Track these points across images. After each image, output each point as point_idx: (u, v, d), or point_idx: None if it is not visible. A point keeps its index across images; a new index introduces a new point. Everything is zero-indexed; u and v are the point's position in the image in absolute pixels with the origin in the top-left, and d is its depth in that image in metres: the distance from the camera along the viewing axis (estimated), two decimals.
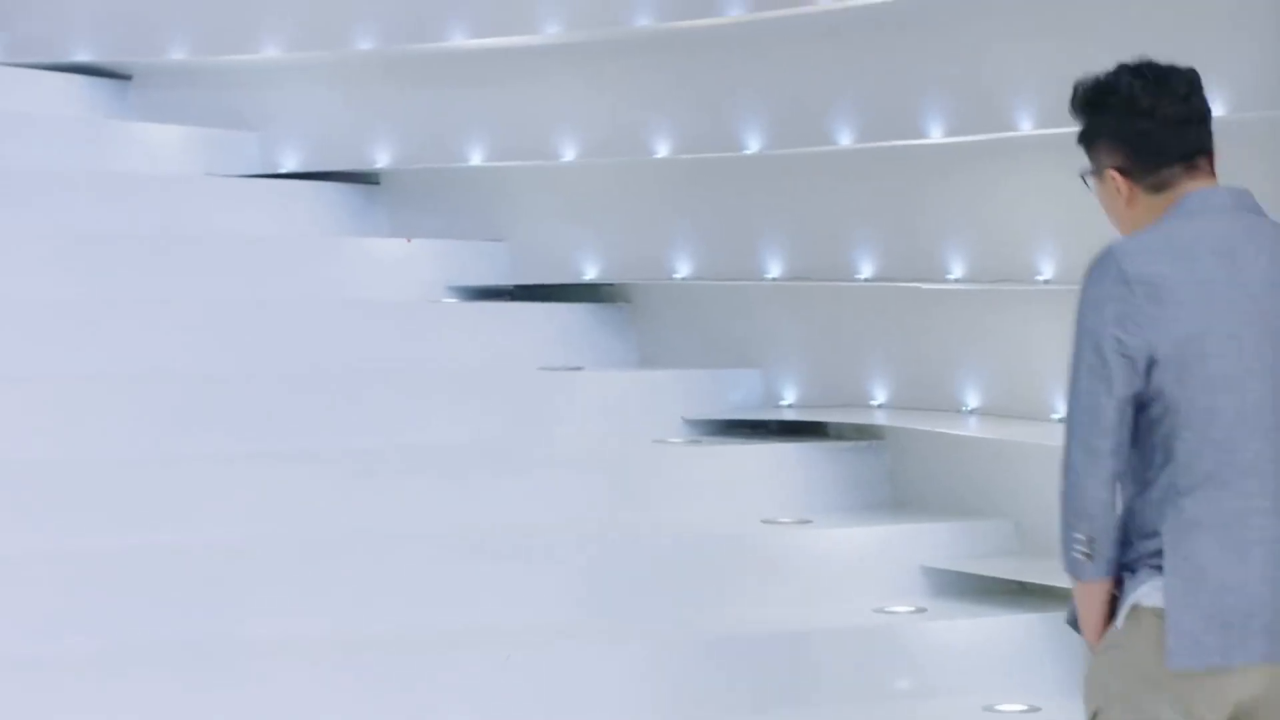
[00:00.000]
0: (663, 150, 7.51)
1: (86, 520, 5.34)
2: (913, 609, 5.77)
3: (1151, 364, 3.42)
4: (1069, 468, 3.46)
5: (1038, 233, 6.42)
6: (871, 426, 6.66)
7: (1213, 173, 3.56)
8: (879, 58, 7.00)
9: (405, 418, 6.17)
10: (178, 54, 8.76)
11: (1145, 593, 3.43)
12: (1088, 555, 3.45)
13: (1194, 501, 3.43)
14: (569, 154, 7.75)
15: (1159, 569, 3.42)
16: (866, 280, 6.87)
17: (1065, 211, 6.33)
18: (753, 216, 7.22)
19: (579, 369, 6.99)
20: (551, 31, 7.85)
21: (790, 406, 6.99)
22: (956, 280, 6.63)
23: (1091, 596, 3.49)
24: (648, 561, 5.78)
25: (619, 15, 7.69)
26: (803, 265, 7.11)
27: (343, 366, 6.35)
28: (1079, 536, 3.45)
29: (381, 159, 8.18)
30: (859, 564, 5.95)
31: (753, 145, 7.29)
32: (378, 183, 8.03)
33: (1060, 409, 6.18)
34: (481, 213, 7.71)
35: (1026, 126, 6.49)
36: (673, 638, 5.51)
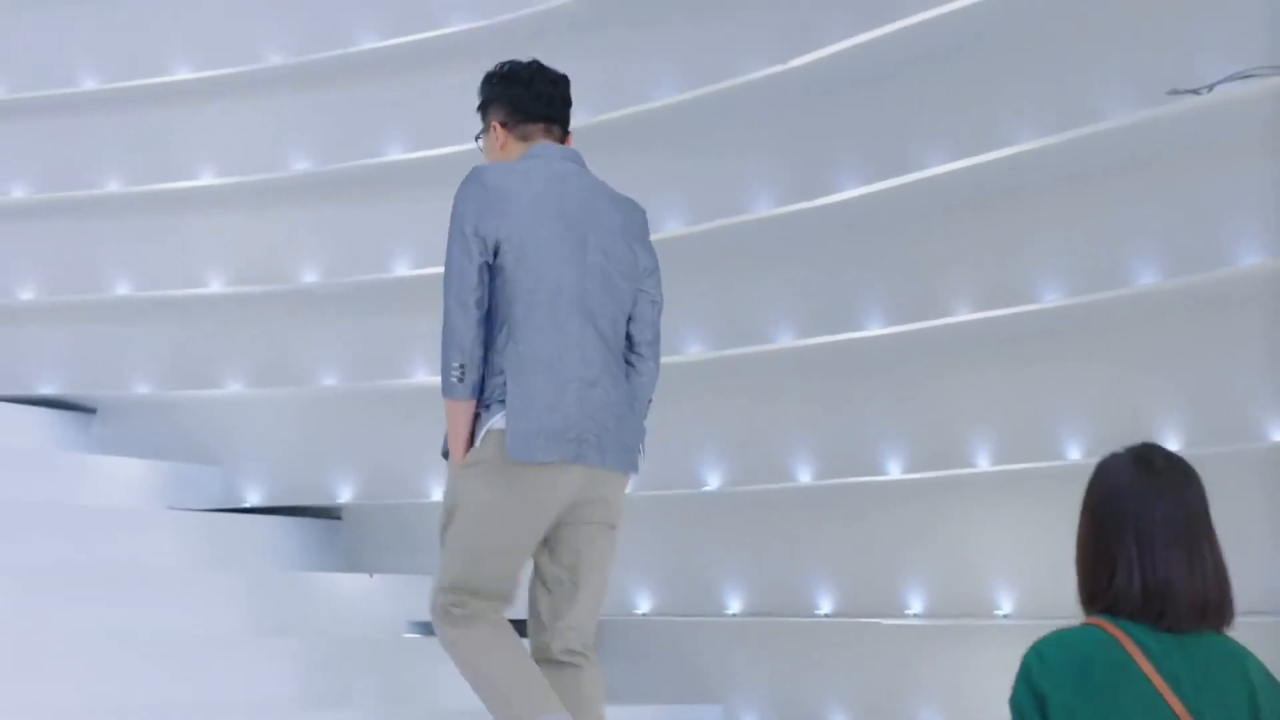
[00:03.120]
0: None
1: None
2: None
3: (498, 246, 4.83)
4: (448, 315, 4.79)
5: (995, 568, 6.45)
6: None
7: (562, 140, 5.16)
8: (838, 396, 7.09)
9: None
10: (142, 388, 8.83)
11: (496, 421, 4.80)
12: (460, 379, 4.79)
13: (529, 348, 4.80)
14: None
15: (504, 401, 4.78)
16: (826, 616, 6.88)
17: (1023, 547, 6.38)
18: (712, 552, 7.24)
19: None
20: None
21: None
22: (915, 615, 6.64)
23: (460, 414, 4.85)
24: None
25: None
26: (762, 601, 7.11)
27: (307, 700, 6.27)
28: (455, 366, 4.78)
29: (344, 494, 8.20)
30: None
31: (712, 483, 7.35)
32: (339, 517, 8.03)
33: None
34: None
35: (984, 463, 6.56)
36: None
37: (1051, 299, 6.44)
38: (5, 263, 9.33)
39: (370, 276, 8.38)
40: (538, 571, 5.06)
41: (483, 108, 5.23)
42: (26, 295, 9.25)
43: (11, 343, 9.12)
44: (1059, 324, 6.33)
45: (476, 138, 5.27)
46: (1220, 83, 5.88)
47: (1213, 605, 3.19)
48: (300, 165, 8.88)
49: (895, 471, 6.83)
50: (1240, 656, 3.20)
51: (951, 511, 6.59)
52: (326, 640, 6.59)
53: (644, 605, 7.37)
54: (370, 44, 8.73)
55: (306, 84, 8.87)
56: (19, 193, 9.42)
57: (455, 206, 4.88)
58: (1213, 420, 5.97)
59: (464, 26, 8.39)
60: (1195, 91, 5.91)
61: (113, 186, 9.25)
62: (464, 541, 4.90)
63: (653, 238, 7.39)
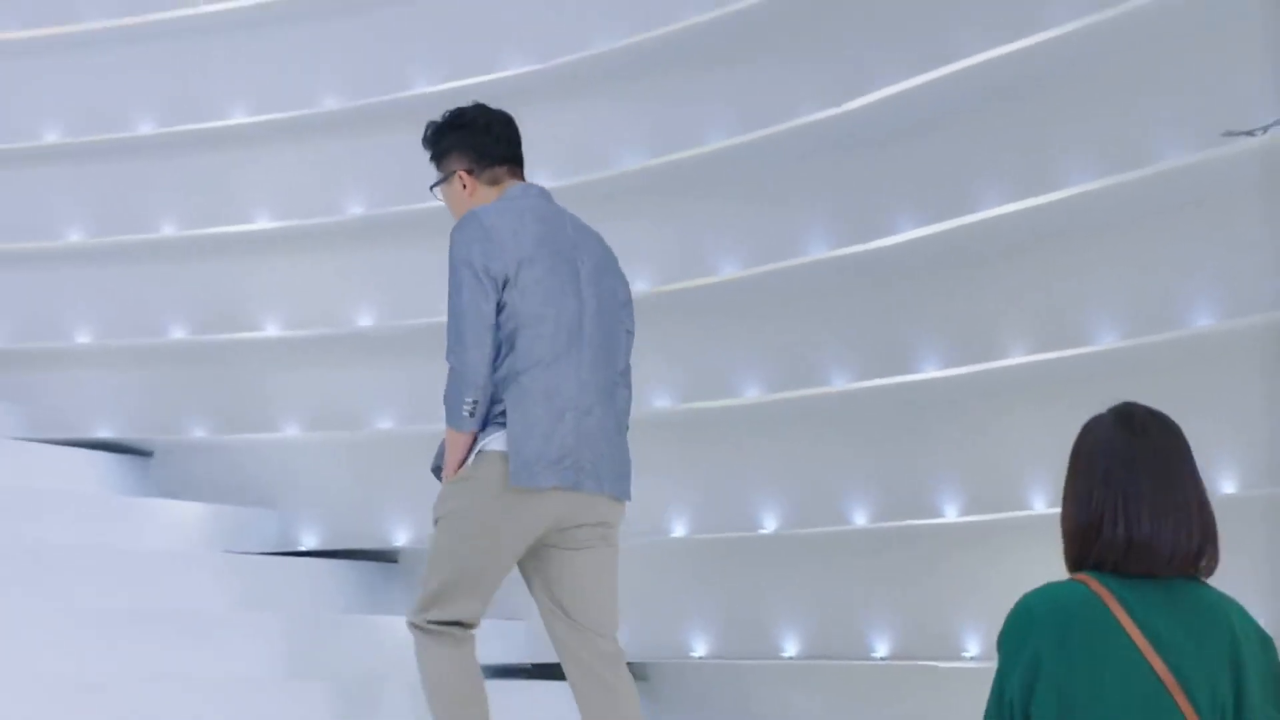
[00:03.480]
0: (679, 530, 7.56)
1: None
2: None
3: (505, 283, 4.99)
4: (464, 352, 4.96)
5: None
6: None
7: (523, 177, 5.33)
8: (894, 439, 7.08)
9: None
10: (198, 432, 8.86)
11: (491, 442, 5.00)
12: (471, 414, 4.98)
13: (529, 378, 4.99)
14: None
15: (502, 425, 4.97)
16: (883, 659, 6.87)
17: None
18: (768, 595, 7.24)
19: None
20: None
21: None
22: (972, 658, 6.62)
23: (462, 442, 5.04)
24: None
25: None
26: (819, 644, 7.10)
27: None
28: (468, 401, 4.96)
29: (400, 537, 8.21)
30: None
31: (769, 525, 7.34)
32: (396, 560, 8.04)
33: None
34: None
35: (1040, 506, 6.54)
36: None
37: (1107, 341, 6.43)
38: (62, 306, 9.39)
39: (425, 320, 8.39)
40: (544, 603, 5.33)
41: (438, 158, 5.38)
42: (83, 339, 9.31)
43: (68, 386, 9.17)
44: (1115, 366, 6.31)
45: (432, 188, 5.43)
46: (1274, 124, 5.87)
47: (1197, 553, 3.24)
48: (355, 209, 8.92)
49: (952, 514, 6.82)
50: (1224, 607, 3.23)
51: (1008, 554, 6.56)
52: (382, 683, 6.60)
53: (700, 648, 7.37)
54: (424, 88, 8.76)
55: (361, 128, 8.91)
56: (75, 236, 9.49)
57: (458, 249, 5.05)
58: (1273, 461, 5.95)
59: (518, 71, 8.42)
60: (1249, 133, 5.90)
61: (168, 230, 9.31)
62: (448, 555, 5.18)
63: (708, 281, 7.49)
